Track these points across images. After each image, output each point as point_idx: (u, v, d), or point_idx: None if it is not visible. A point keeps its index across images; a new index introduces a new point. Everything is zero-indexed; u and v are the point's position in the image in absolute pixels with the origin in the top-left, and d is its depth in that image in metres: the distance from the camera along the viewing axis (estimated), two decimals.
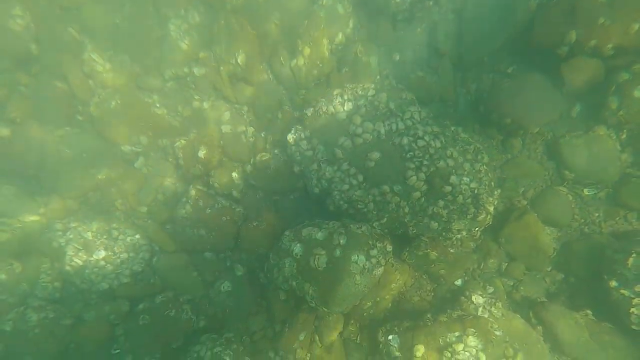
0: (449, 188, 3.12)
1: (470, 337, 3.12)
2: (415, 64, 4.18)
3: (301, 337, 3.80)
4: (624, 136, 3.55)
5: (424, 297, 3.96)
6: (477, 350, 3.06)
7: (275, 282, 3.87)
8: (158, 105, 4.30)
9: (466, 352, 3.07)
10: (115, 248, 3.81)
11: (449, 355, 3.08)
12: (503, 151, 4.04)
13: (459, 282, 3.93)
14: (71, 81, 4.23)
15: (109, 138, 4.23)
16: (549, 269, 3.77)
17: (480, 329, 3.18)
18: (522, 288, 3.77)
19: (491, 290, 3.82)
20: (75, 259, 3.69)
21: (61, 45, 4.24)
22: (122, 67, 4.28)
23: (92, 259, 3.70)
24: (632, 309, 3.04)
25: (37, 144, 4.20)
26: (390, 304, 3.93)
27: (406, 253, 3.88)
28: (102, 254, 3.73)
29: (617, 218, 3.59)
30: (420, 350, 3.21)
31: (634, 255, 3.09)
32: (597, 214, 3.69)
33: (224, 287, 4.02)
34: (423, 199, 3.26)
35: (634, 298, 3.04)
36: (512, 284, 3.84)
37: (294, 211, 4.21)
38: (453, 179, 3.10)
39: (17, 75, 4.20)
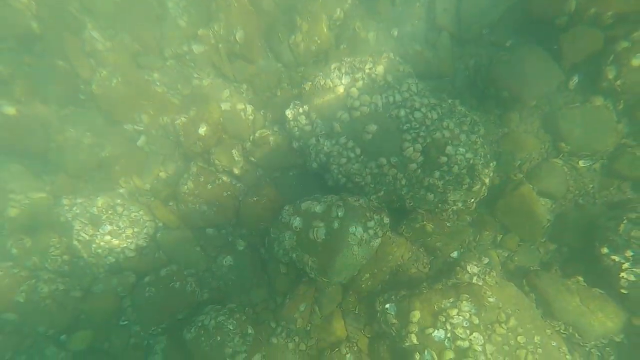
0: (444, 159, 3.18)
1: (464, 302, 3.23)
2: (413, 39, 4.17)
3: (302, 308, 3.94)
4: (621, 106, 3.56)
5: (420, 269, 4.06)
6: (470, 315, 3.17)
7: (275, 256, 3.98)
8: (158, 83, 4.36)
9: (460, 317, 3.18)
10: (120, 223, 3.93)
11: (443, 319, 3.19)
12: (500, 125, 4.06)
13: (455, 254, 4.02)
14: (73, 60, 4.28)
15: (111, 117, 4.30)
16: (543, 239, 3.85)
17: (474, 295, 3.29)
18: (516, 258, 3.86)
19: (486, 261, 3.91)
20: (82, 233, 3.82)
21: (62, 24, 4.28)
22: (122, 45, 4.32)
23: (98, 233, 3.83)
24: (622, 274, 3.12)
25: (42, 123, 4.29)
26: (387, 276, 4.03)
27: (403, 226, 3.96)
28: (108, 228, 3.85)
29: (611, 188, 3.64)
30: (416, 316, 3.32)
31: (625, 221, 3.16)
32: (591, 185, 3.74)
33: (226, 262, 4.14)
34: (419, 170, 3.32)
35: (624, 263, 3.12)
36: (506, 255, 3.93)
37: (294, 187, 4.30)
38: (449, 149, 3.15)
39: (21, 54, 4.26)
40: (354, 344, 3.90)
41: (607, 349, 3.39)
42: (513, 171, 3.98)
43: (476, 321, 3.14)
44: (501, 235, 3.95)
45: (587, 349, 3.43)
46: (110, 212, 3.92)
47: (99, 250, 3.88)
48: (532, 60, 3.78)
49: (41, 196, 4.09)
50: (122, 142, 4.38)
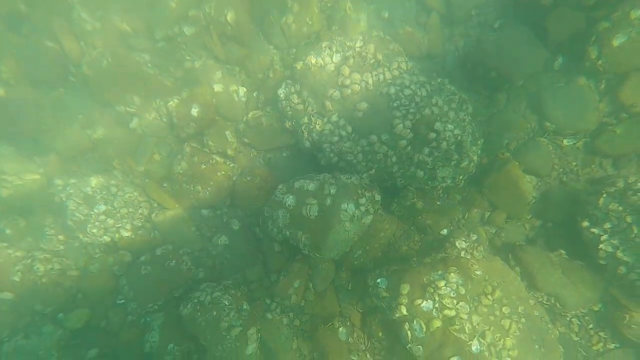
0: (433, 135, 3.27)
1: (451, 274, 3.36)
2: (404, 20, 4.22)
3: (296, 285, 4.04)
4: (603, 86, 3.68)
5: (411, 246, 4.18)
6: (457, 285, 3.30)
7: (270, 234, 4.06)
8: (150, 65, 4.34)
9: (447, 288, 3.31)
10: (114, 203, 3.96)
11: (432, 290, 3.32)
12: (489, 106, 4.17)
13: (444, 232, 4.14)
14: (61, 41, 4.24)
15: (102, 98, 4.28)
16: (529, 216, 3.99)
17: (462, 268, 3.42)
18: (503, 235, 4.00)
19: (474, 237, 4.04)
20: (77, 213, 3.84)
21: (49, 5, 4.22)
22: (112, 26, 4.28)
23: (92, 212, 3.86)
24: (601, 245, 3.27)
25: (33, 105, 4.26)
26: (379, 253, 4.14)
27: (394, 204, 4.06)
28: (102, 208, 3.88)
29: (593, 165, 3.78)
30: (405, 288, 3.45)
31: (604, 195, 3.29)
32: (575, 163, 3.87)
33: (221, 241, 4.21)
34: (409, 147, 3.41)
35: (602, 235, 3.27)
36: (494, 231, 4.06)
37: (287, 168, 4.36)
38: (437, 125, 3.24)
39: (8, 36, 4.20)
40: (347, 319, 4.03)
41: (587, 317, 3.56)
42: (501, 150, 4.10)
43: (463, 291, 3.27)
44: (489, 213, 4.08)
45: (567, 318, 3.60)
46: (104, 192, 3.95)
47: (94, 230, 3.91)
48: (520, 41, 3.87)
49: (34, 178, 4.09)
50: (115, 125, 4.38)
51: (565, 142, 3.90)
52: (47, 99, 4.33)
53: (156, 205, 4.28)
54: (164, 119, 4.40)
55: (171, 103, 4.22)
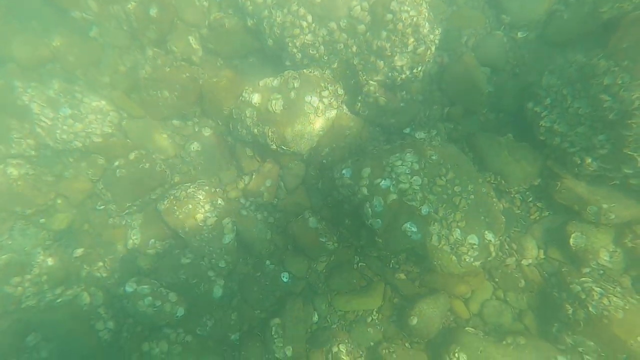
0: (390, 16, 3.36)
1: (407, 154, 3.64)
2: None
3: (267, 184, 4.29)
4: None
5: (376, 146, 4.43)
6: (412, 163, 3.60)
7: (240, 137, 4.22)
8: None
9: (403, 166, 3.60)
10: (80, 108, 3.98)
11: (390, 169, 3.61)
12: (449, 4, 4.23)
13: (407, 130, 4.39)
14: None
15: (55, 2, 4.11)
16: (484, 110, 4.24)
17: (417, 149, 3.70)
18: (460, 128, 4.27)
19: (434, 132, 4.32)
20: (43, 117, 3.85)
21: None
22: None
23: (59, 116, 3.87)
24: (541, 122, 3.58)
25: None
26: (347, 153, 4.38)
27: (359, 104, 4.23)
28: (68, 111, 3.89)
29: (542, 56, 3.98)
30: (367, 172, 3.73)
31: (546, 73, 3.54)
32: (527, 55, 4.07)
33: (193, 147, 4.35)
34: (368, 33, 3.50)
35: (543, 112, 3.57)
36: (452, 126, 4.33)
37: (254, 74, 4.40)
38: (393, 5, 3.31)
39: None
40: (317, 212, 4.36)
41: (527, 193, 3.98)
42: (460, 48, 4.24)
43: (416, 167, 3.57)
44: (447, 108, 4.31)
45: (511, 195, 4.01)
46: (68, 96, 3.94)
47: (64, 136, 3.96)
48: None
49: None
50: (73, 32, 4.25)
51: (519, 34, 4.06)
52: None
53: (125, 115, 4.32)
54: (124, 27, 4.29)
55: (129, 6, 4.09)
